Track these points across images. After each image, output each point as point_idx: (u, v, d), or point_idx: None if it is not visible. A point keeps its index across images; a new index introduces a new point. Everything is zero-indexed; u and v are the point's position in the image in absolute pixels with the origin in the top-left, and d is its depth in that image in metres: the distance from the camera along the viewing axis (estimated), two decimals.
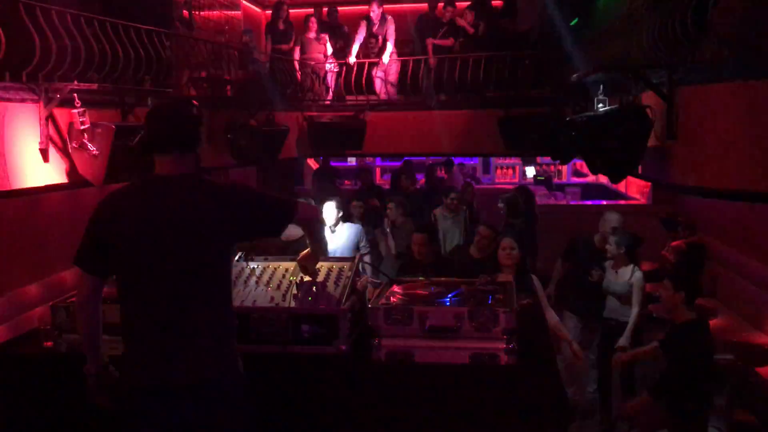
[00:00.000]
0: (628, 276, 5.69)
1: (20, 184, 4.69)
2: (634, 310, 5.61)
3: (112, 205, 2.57)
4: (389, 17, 9.76)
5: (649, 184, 9.56)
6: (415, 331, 3.18)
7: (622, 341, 5.52)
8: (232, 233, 2.61)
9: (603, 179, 12.30)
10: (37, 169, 4.83)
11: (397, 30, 9.75)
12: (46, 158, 4.85)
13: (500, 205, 7.73)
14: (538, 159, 12.71)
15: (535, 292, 4.88)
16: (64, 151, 5.03)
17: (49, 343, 3.41)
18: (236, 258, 3.69)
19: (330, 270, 3.61)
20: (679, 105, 4.70)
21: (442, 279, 3.73)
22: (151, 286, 2.51)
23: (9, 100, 4.55)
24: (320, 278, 3.49)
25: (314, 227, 3.08)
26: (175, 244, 2.49)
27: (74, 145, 4.98)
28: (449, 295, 3.35)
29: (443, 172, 11.59)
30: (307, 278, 3.41)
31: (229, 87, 8.05)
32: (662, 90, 4.78)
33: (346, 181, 12.95)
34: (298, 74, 9.44)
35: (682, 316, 4.52)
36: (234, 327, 2.72)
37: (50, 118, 4.86)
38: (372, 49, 9.77)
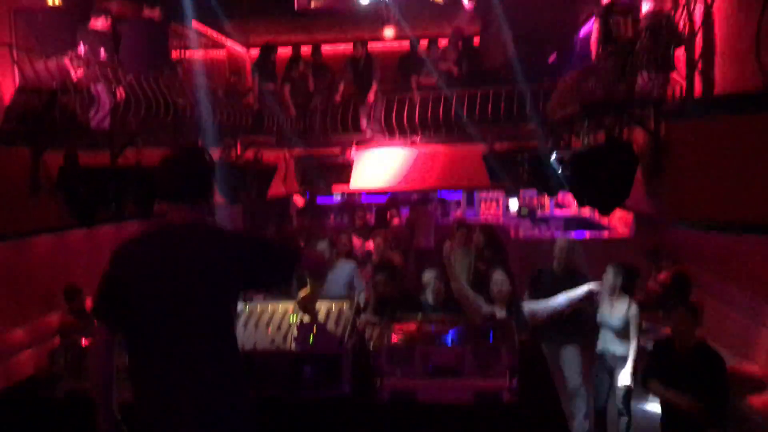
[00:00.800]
0: (624, 310, 5.68)
1: (6, 228, 4.65)
2: (633, 345, 5.60)
3: (123, 256, 2.56)
4: (373, 57, 9.90)
5: (632, 215, 9.68)
6: (417, 371, 3.18)
7: (626, 378, 5.51)
8: (238, 282, 2.61)
9: (585, 212, 12.45)
10: (25, 212, 4.79)
11: (382, 68, 9.88)
12: (34, 201, 4.81)
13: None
14: (521, 192, 12.84)
15: (528, 328, 4.91)
16: (52, 194, 4.99)
17: (48, 391, 3.36)
18: None
19: (330, 310, 3.61)
20: (664, 139, 4.81)
21: (442, 316, 3.74)
22: (159, 336, 2.50)
23: None
24: (320, 318, 3.48)
25: (320, 269, 3.07)
26: (183, 294, 2.49)
27: (65, 188, 4.97)
28: (450, 333, 3.36)
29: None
30: (307, 319, 3.40)
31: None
32: (648, 125, 4.89)
33: (332, 217, 12.96)
34: (292, 111, 9.51)
35: (693, 339, 4.66)
36: (240, 373, 2.67)
37: (40, 161, 4.85)
38: (357, 87, 9.89)
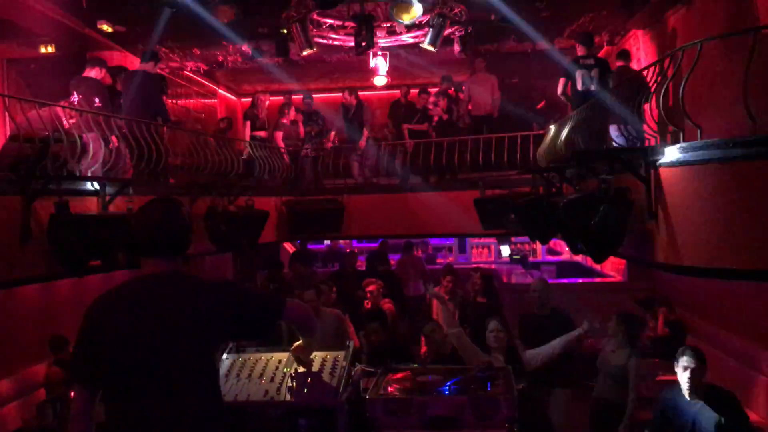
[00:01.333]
0: (624, 359, 5.63)
1: None
2: (631, 395, 5.54)
3: (98, 311, 2.49)
4: (365, 104, 10.01)
5: (624, 261, 9.68)
6: (415, 422, 3.12)
7: (624, 428, 5.44)
8: (217, 332, 2.54)
9: (577, 257, 12.45)
10: (14, 261, 4.72)
11: (373, 115, 10.00)
12: (24, 249, 4.75)
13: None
14: (513, 238, 12.85)
15: (526, 375, 4.86)
16: (42, 243, 4.92)
17: None
18: (227, 350, 3.61)
19: (324, 360, 3.54)
20: (656, 186, 4.83)
21: (438, 366, 3.68)
22: (137, 388, 2.42)
23: None
24: (315, 368, 3.42)
25: (306, 323, 2.97)
26: (161, 345, 2.42)
27: (56, 236, 4.90)
28: (447, 384, 3.30)
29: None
30: (301, 369, 3.34)
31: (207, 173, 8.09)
32: (640, 171, 4.91)
33: (320, 264, 12.89)
34: (285, 158, 9.56)
35: (704, 382, 4.65)
36: (225, 424, 2.57)
37: (31, 209, 4.80)
38: (348, 134, 9.97)
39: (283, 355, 3.58)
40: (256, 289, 2.56)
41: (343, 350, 3.63)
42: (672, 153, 4.60)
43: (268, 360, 3.58)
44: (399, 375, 3.51)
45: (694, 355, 4.67)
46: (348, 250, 11.88)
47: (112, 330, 2.43)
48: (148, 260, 2.54)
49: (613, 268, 11.01)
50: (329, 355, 3.58)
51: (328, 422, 3.12)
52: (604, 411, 5.68)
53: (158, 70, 7.83)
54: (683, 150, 4.47)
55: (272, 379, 3.41)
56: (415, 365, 3.75)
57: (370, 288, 7.05)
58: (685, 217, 4.46)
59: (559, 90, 8.01)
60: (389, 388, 3.31)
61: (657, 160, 4.81)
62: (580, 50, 7.82)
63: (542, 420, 3.55)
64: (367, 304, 7.37)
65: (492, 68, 10.05)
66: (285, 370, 3.45)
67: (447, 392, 3.23)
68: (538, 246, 13.06)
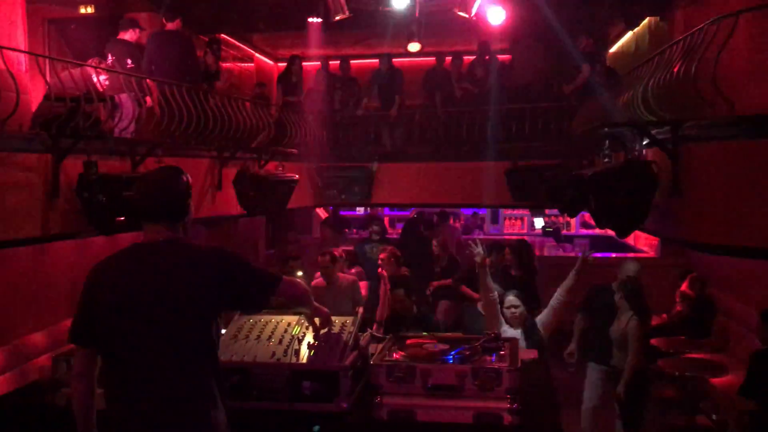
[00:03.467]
0: (624, 324, 5.65)
1: (26, 233, 4.72)
2: (630, 358, 5.55)
3: (97, 276, 2.58)
4: (398, 70, 9.92)
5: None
6: (417, 390, 3.14)
7: (619, 388, 5.50)
8: (210, 302, 2.57)
9: (611, 231, 12.25)
10: (44, 218, 4.86)
11: (405, 83, 9.90)
12: (53, 207, 4.88)
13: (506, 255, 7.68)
14: (546, 210, 12.71)
15: (543, 348, 4.85)
16: (72, 201, 5.05)
17: (49, 397, 3.39)
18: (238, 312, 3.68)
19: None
20: (683, 161, 4.72)
21: (447, 335, 3.69)
22: (132, 353, 2.50)
23: (19, 150, 4.63)
24: (322, 333, 3.46)
25: (300, 301, 2.97)
26: (155, 311, 2.48)
27: (84, 194, 5.03)
28: (452, 353, 3.31)
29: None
30: (310, 333, 3.39)
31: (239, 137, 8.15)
32: (667, 146, 4.79)
33: (354, 230, 12.95)
34: (317, 123, 9.56)
35: None
36: (215, 395, 2.59)
37: (59, 167, 4.92)
38: (381, 101, 9.91)
39: (292, 319, 3.63)
40: (252, 263, 2.59)
41: (352, 315, 3.67)
42: (701, 128, 4.48)
43: (277, 323, 3.65)
44: (407, 342, 3.54)
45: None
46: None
47: (108, 295, 2.51)
48: (150, 227, 2.60)
49: (646, 243, 10.83)
50: (338, 320, 3.62)
51: (331, 386, 3.17)
52: (617, 381, 5.69)
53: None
54: (713, 125, 4.35)
55: (280, 342, 3.47)
56: (424, 333, 3.77)
57: (381, 255, 7.05)
58: (714, 194, 4.35)
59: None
60: (394, 355, 3.34)
61: (685, 135, 4.69)
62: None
63: (549, 393, 3.54)
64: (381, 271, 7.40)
65: (537, 37, 9.81)
66: (293, 332, 3.51)
67: (451, 361, 3.25)
68: (572, 219, 12.89)
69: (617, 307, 5.86)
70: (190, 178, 2.68)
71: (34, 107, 5.51)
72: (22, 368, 5.73)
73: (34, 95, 5.65)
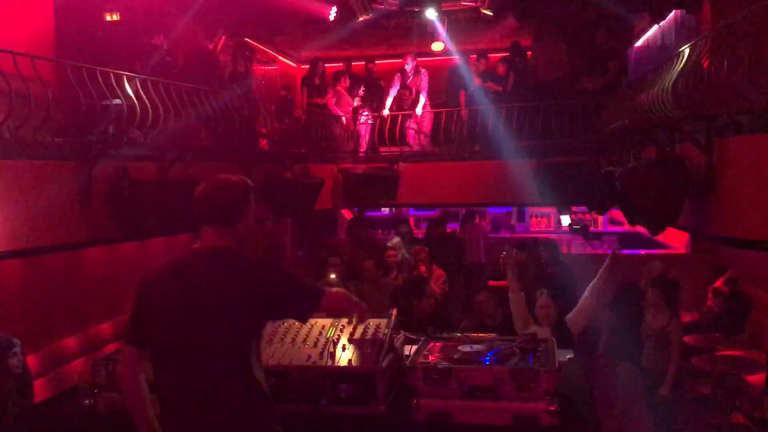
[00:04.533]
0: (665, 321, 5.58)
1: (59, 239, 4.78)
2: (674, 356, 5.48)
3: (151, 278, 2.65)
4: (423, 70, 9.91)
5: (687, 233, 9.39)
6: (454, 392, 3.12)
7: (663, 389, 5.40)
8: (256, 313, 2.61)
9: (640, 228, 12.11)
10: (77, 225, 4.92)
11: (430, 82, 9.88)
12: (85, 213, 4.94)
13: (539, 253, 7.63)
14: (573, 208, 12.59)
15: (573, 348, 4.80)
16: (103, 207, 5.11)
17: (89, 402, 3.42)
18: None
19: (367, 326, 3.58)
20: (716, 156, 4.64)
21: (481, 336, 3.67)
22: (178, 359, 2.56)
23: (51, 157, 4.69)
24: (357, 335, 3.46)
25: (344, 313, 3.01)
26: (201, 319, 2.53)
27: (116, 201, 5.09)
28: (488, 354, 3.29)
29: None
30: (345, 336, 3.39)
31: (265, 141, 8.19)
32: (700, 141, 4.73)
33: (379, 231, 12.94)
34: (342, 125, 9.58)
35: None
36: (258, 404, 2.61)
37: (92, 173, 4.97)
38: (406, 101, 9.90)
39: (327, 321, 3.64)
40: (298, 275, 2.61)
41: (386, 318, 3.66)
42: (734, 122, 4.40)
43: (312, 325, 3.65)
44: (441, 344, 3.53)
45: None
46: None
47: (158, 299, 2.58)
48: (204, 231, 2.66)
49: (676, 240, 10.69)
50: (372, 322, 3.61)
51: (367, 388, 3.16)
52: (654, 380, 5.61)
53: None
54: (746, 118, 4.27)
55: (315, 345, 3.47)
56: (458, 334, 3.76)
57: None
58: (747, 189, 4.28)
59: None
60: (430, 357, 3.33)
61: (719, 129, 4.62)
62: None
63: (585, 393, 3.50)
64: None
65: (561, 35, 9.75)
66: (328, 335, 3.51)
67: (487, 362, 3.22)
68: (600, 216, 12.75)
69: (646, 305, 5.79)
70: (251, 184, 2.75)
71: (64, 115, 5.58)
72: (58, 372, 5.82)
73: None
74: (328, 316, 3.28)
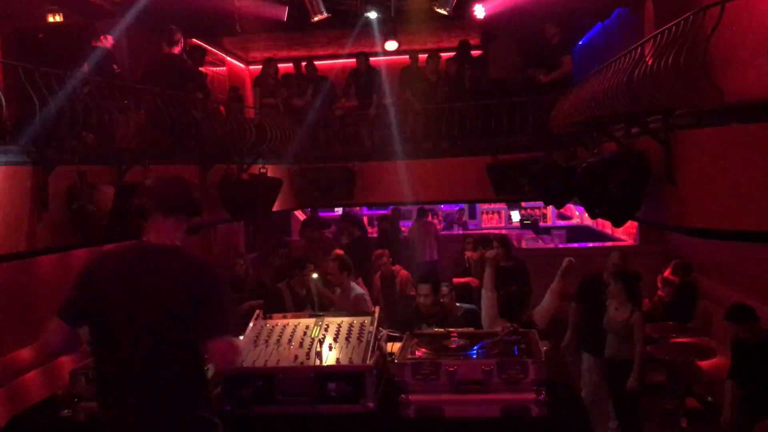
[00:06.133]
0: (627, 314, 5.70)
1: (13, 247, 4.59)
2: (638, 349, 5.60)
3: (95, 266, 2.67)
4: (376, 69, 9.92)
5: (636, 225, 9.68)
6: (443, 386, 3.14)
7: (632, 382, 5.52)
8: (184, 311, 2.58)
9: (587, 221, 12.44)
10: (31, 231, 4.74)
11: (383, 81, 9.90)
12: (41, 220, 4.76)
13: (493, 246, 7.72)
14: (523, 203, 12.83)
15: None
16: (60, 213, 4.93)
17: (68, 413, 3.30)
18: (254, 317, 3.64)
19: (351, 325, 3.57)
20: (674, 149, 4.80)
21: (463, 330, 3.70)
22: (117, 351, 2.57)
23: (5, 163, 4.50)
24: (342, 333, 3.45)
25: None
26: (140, 312, 2.55)
27: (73, 206, 4.92)
28: (475, 348, 3.32)
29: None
30: (330, 336, 3.36)
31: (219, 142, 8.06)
32: (659, 135, 4.87)
33: (333, 228, 12.90)
34: (296, 125, 9.49)
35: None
36: (200, 399, 2.62)
37: (47, 178, 4.80)
38: (360, 100, 9.89)
39: (311, 321, 3.61)
40: (231, 306, 2.63)
41: (369, 315, 3.66)
42: (692, 115, 4.56)
43: (296, 326, 3.62)
44: (424, 339, 3.54)
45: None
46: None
47: (104, 284, 2.61)
48: (156, 221, 2.67)
49: (624, 232, 11.02)
50: (356, 321, 3.61)
51: (356, 386, 3.15)
52: (616, 370, 5.75)
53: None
54: (703, 112, 4.43)
55: (301, 345, 3.44)
56: (439, 329, 3.78)
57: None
58: (705, 180, 4.43)
59: None
60: (417, 353, 3.34)
61: (676, 123, 4.77)
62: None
63: (567, 382, 3.57)
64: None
65: (512, 32, 9.90)
66: (313, 335, 3.49)
67: (475, 356, 3.26)
68: (549, 210, 13.04)
69: (608, 297, 5.91)
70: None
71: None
72: (13, 386, 5.60)
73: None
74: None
